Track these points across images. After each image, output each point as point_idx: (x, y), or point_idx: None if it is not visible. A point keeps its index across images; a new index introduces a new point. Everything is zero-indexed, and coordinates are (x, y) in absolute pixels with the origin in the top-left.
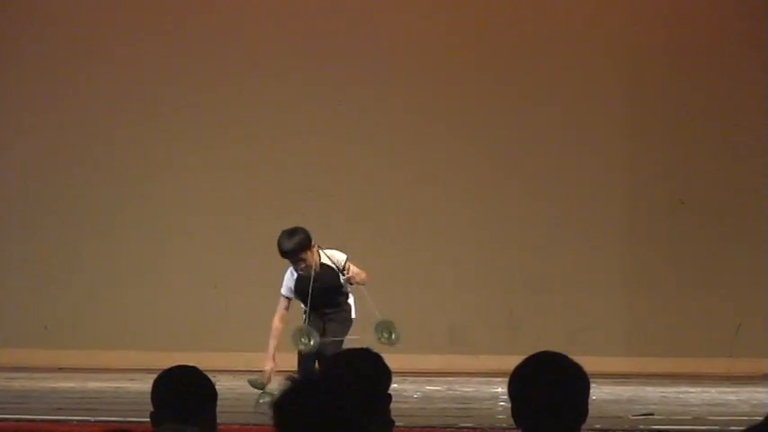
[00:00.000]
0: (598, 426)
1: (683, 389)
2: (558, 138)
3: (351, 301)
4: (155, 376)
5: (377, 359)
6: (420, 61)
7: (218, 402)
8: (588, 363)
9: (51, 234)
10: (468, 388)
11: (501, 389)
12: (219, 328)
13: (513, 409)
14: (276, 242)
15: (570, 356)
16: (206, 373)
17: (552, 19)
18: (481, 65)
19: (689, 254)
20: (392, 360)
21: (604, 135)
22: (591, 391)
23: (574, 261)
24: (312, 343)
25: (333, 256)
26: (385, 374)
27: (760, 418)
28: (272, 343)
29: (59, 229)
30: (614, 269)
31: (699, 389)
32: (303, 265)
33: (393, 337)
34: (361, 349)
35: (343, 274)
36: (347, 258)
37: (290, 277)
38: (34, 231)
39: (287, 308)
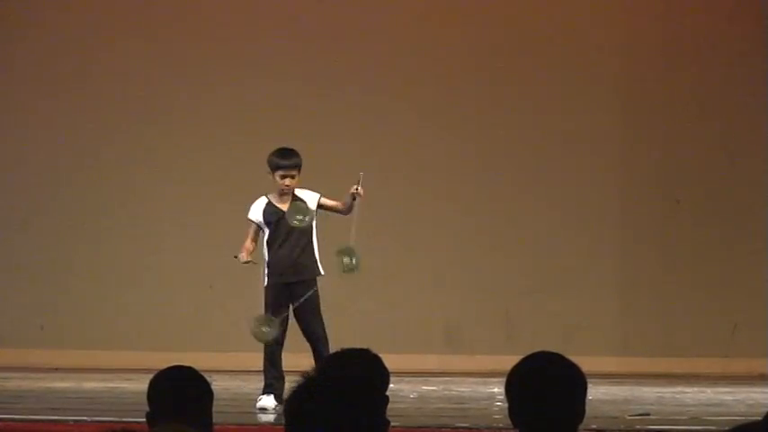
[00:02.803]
0: (594, 426)
1: (680, 389)
2: (555, 138)
3: (317, 256)
4: (151, 376)
5: (376, 360)
6: (416, 61)
7: (215, 402)
8: (584, 363)
9: (47, 234)
10: (464, 388)
11: (497, 389)
12: (216, 328)
13: (509, 409)
14: (271, 154)
15: (567, 356)
16: (202, 372)
17: (548, 19)
18: (474, 65)
19: (685, 253)
20: (388, 360)
21: (600, 135)
22: (587, 391)
23: (570, 261)
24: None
25: (306, 193)
26: (383, 375)
27: (756, 419)
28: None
29: (55, 228)
30: (611, 269)
31: (695, 389)
32: (287, 184)
33: (354, 262)
34: (360, 350)
35: (320, 207)
36: (321, 195)
37: (259, 203)
38: (30, 231)
39: (255, 239)
